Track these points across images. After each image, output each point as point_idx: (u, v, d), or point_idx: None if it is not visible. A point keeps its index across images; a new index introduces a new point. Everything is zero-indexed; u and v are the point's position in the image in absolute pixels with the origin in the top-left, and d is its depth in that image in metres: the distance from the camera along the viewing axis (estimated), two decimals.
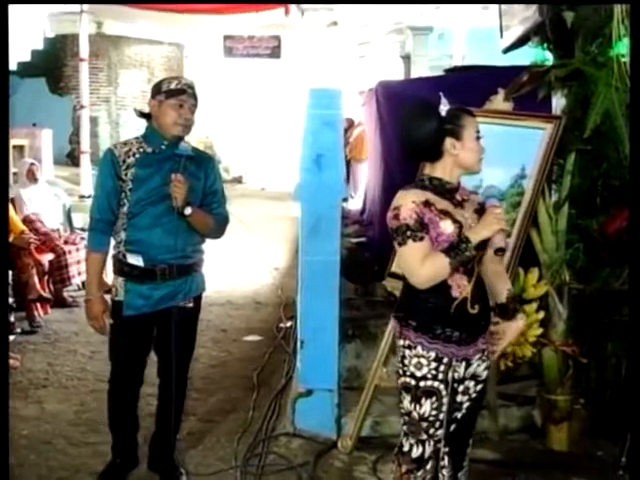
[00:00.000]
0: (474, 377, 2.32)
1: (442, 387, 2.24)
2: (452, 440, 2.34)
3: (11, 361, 4.39)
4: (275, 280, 6.88)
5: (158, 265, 2.81)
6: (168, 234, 2.79)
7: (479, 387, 2.35)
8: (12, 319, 4.89)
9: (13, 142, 10.48)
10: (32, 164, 6.05)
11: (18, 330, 5.00)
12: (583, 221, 3.28)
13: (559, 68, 3.28)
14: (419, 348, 2.23)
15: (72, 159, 12.51)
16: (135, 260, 2.81)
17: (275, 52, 13.82)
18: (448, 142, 2.23)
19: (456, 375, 2.26)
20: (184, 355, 2.98)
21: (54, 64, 13.17)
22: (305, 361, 3.43)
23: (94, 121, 12.31)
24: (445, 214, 2.19)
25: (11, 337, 4.82)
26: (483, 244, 2.20)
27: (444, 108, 2.25)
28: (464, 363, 2.27)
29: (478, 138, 2.27)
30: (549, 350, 3.31)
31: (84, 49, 10.17)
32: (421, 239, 2.15)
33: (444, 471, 2.36)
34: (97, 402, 3.78)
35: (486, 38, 9.71)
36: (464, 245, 2.13)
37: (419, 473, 2.31)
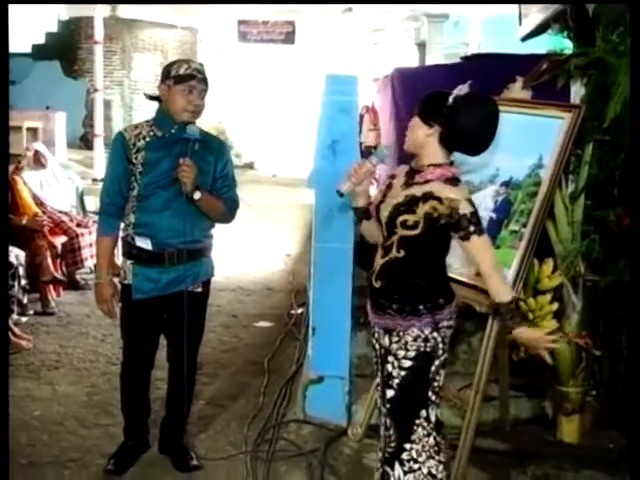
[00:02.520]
0: (395, 357, 2.36)
1: (377, 347, 2.48)
2: (391, 406, 2.40)
3: (23, 342, 4.43)
4: (287, 266, 6.88)
5: (167, 249, 2.81)
6: (177, 218, 2.78)
7: (402, 373, 2.35)
8: (25, 300, 4.92)
9: (27, 124, 10.53)
10: (37, 151, 6.01)
11: (31, 312, 5.02)
12: (600, 212, 3.24)
13: (579, 57, 3.24)
14: None
15: (85, 142, 12.55)
16: (144, 243, 2.82)
17: (289, 38, 13.78)
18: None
19: (382, 342, 2.43)
20: (193, 339, 2.98)
21: (68, 47, 13.19)
22: (316, 348, 3.43)
23: (107, 104, 12.32)
24: (387, 186, 2.43)
25: (24, 318, 4.86)
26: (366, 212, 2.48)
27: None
28: (387, 336, 2.39)
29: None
30: (562, 342, 3.28)
31: (98, 32, 10.18)
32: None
33: (382, 429, 2.49)
34: (108, 384, 3.81)
35: (502, 26, 9.63)
36: None
37: (379, 420, 2.55)
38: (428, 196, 2.26)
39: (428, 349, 2.33)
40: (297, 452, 3.17)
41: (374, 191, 2.47)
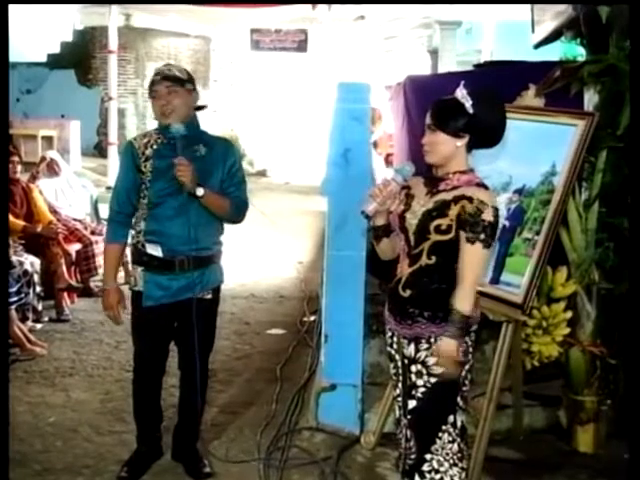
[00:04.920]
0: (424, 365, 2.34)
1: (397, 357, 2.45)
2: (413, 417, 2.39)
3: (38, 349, 4.46)
4: (299, 274, 6.87)
5: (177, 256, 2.83)
6: (188, 225, 2.80)
7: (432, 380, 2.33)
8: (40, 307, 4.95)
9: (42, 133, 10.65)
10: (51, 159, 6.07)
11: (45, 319, 5.05)
12: (614, 220, 3.23)
13: (593, 64, 3.23)
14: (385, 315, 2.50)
15: (100, 150, 12.63)
16: (154, 250, 2.84)
17: (302, 46, 13.81)
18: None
19: (406, 352, 2.39)
20: (204, 346, 2.99)
21: (83, 56, 13.30)
22: (329, 355, 3.43)
23: (121, 113, 12.41)
24: (408, 197, 2.39)
25: (38, 325, 4.89)
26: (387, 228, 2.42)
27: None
28: (413, 345, 2.35)
29: (427, 129, 2.35)
30: (576, 350, 3.26)
31: (113, 41, 10.27)
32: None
33: (402, 440, 2.48)
34: (122, 391, 3.82)
35: (515, 33, 9.63)
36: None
37: (397, 430, 2.55)
38: (459, 198, 2.28)
39: (460, 353, 2.32)
40: (310, 460, 3.17)
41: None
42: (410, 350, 2.37)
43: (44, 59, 13.51)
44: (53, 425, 3.51)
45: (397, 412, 2.53)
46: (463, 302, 2.26)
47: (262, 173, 15.34)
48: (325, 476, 3.04)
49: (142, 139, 2.90)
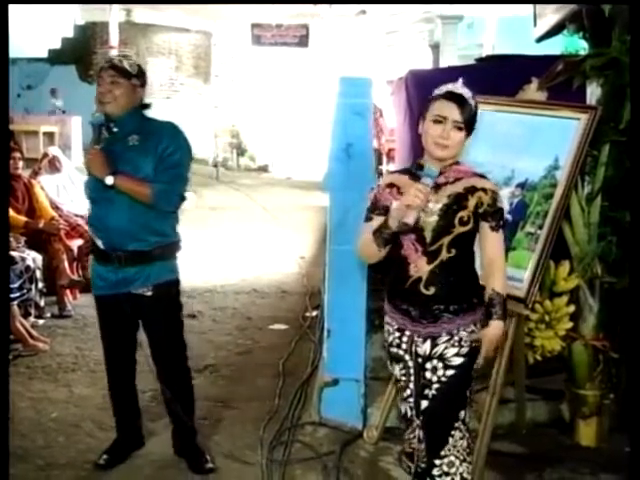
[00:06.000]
0: (442, 359, 2.33)
1: (407, 357, 2.38)
2: (425, 417, 2.37)
3: (40, 344, 4.46)
4: (301, 269, 6.88)
5: (115, 250, 2.84)
6: (125, 220, 2.79)
7: (449, 372, 2.34)
8: (42, 303, 4.96)
9: (43, 129, 10.64)
10: (53, 156, 6.06)
11: (48, 314, 5.06)
12: (616, 214, 3.22)
13: (595, 57, 3.22)
14: (387, 316, 2.44)
15: None
16: (98, 242, 2.90)
17: (303, 41, 13.80)
18: (420, 124, 2.33)
19: (420, 351, 2.35)
20: (164, 343, 2.97)
21: (84, 51, 13.30)
22: (331, 350, 3.43)
23: None
24: (400, 193, 2.30)
25: (41, 321, 4.90)
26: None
27: (436, 91, 2.30)
28: (429, 342, 2.33)
29: (438, 122, 2.25)
30: (579, 344, 3.26)
31: (114, 37, 10.26)
32: (369, 219, 2.38)
33: (415, 441, 2.42)
34: None
35: (516, 27, 9.61)
36: (385, 223, 2.27)
37: (408, 431, 2.47)
38: (472, 189, 2.29)
39: (476, 344, 2.34)
40: (312, 455, 3.17)
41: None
42: (425, 348, 2.34)
43: (45, 55, 13.51)
44: (55, 420, 3.52)
45: (408, 412, 2.45)
46: (503, 285, 2.36)
47: (264, 168, 15.35)
48: (328, 471, 3.04)
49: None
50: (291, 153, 15.44)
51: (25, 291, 4.65)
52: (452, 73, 4.69)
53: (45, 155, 6.12)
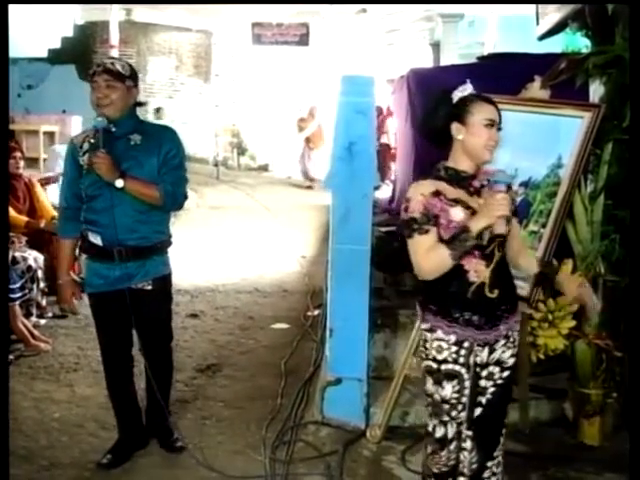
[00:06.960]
0: (499, 363, 2.34)
1: (464, 371, 2.30)
2: (478, 425, 2.36)
3: (42, 344, 4.46)
4: (302, 268, 6.87)
5: (115, 246, 2.88)
6: (125, 216, 2.85)
7: (505, 374, 2.36)
8: (44, 303, 4.95)
9: (43, 128, 10.61)
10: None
11: (50, 314, 5.05)
12: (619, 212, 3.21)
13: (598, 55, 3.22)
14: (439, 332, 2.28)
15: None
16: (95, 239, 2.91)
17: (303, 40, 13.77)
18: (454, 127, 2.26)
19: (478, 359, 2.31)
20: (157, 335, 3.07)
21: (84, 51, 13.25)
22: (334, 350, 3.43)
23: None
24: (456, 202, 2.22)
25: (42, 321, 4.89)
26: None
27: (459, 93, 2.26)
28: (487, 348, 2.30)
29: (490, 126, 2.24)
30: (582, 343, 3.26)
31: (114, 36, 10.24)
32: (426, 232, 2.21)
33: (465, 453, 2.38)
34: None
35: (517, 25, 9.59)
36: (464, 234, 2.16)
37: (442, 453, 2.37)
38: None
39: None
40: (315, 454, 3.17)
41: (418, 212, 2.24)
42: (483, 355, 2.31)
43: (45, 54, 13.48)
44: (58, 420, 3.52)
45: (450, 433, 2.34)
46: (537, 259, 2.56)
47: (264, 168, 15.31)
48: (331, 470, 3.03)
49: (81, 135, 2.99)
50: (292, 152, 15.42)
51: (27, 291, 4.64)
52: (454, 71, 4.70)
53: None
